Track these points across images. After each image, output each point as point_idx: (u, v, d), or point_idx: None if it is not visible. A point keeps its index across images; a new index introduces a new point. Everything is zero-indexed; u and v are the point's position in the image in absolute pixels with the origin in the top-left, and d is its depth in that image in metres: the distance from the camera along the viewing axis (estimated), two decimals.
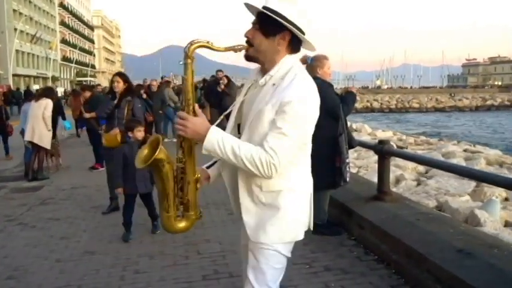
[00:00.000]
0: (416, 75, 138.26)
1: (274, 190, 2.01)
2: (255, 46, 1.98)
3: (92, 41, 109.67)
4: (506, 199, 7.96)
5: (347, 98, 5.03)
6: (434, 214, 4.73)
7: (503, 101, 76.59)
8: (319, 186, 4.79)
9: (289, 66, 1.99)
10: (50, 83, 59.36)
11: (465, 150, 15.62)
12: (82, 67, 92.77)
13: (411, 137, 20.83)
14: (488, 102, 75.16)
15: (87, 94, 10.24)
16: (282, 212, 2.02)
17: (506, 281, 2.90)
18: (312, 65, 4.86)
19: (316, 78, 4.75)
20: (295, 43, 2.00)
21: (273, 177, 1.92)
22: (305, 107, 1.91)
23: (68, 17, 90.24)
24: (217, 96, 12.52)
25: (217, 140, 1.88)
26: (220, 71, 13.18)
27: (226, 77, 12.87)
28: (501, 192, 7.91)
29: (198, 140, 1.94)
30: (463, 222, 5.98)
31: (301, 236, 2.14)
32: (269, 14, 1.91)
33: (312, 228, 2.23)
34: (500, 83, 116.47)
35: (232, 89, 12.75)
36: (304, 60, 5.05)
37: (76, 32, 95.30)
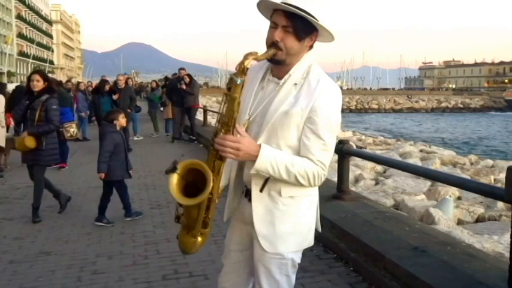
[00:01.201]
0: (376, 77, 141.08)
1: (293, 195, 1.94)
2: (286, 49, 1.85)
3: (50, 36, 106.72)
4: (459, 198, 8.25)
5: None
6: (391, 213, 4.84)
7: (456, 103, 79.37)
8: None
9: (308, 63, 1.93)
10: (5, 79, 57.36)
11: (421, 151, 16.11)
12: (40, 63, 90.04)
13: (370, 137, 21.30)
14: (443, 105, 77.69)
15: None
16: (300, 219, 1.98)
17: (458, 277, 3.01)
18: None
19: None
20: (315, 41, 1.95)
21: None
22: (339, 115, 1.91)
23: (25, 11, 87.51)
24: (179, 94, 12.43)
25: (271, 160, 1.80)
26: (183, 69, 13.08)
27: (189, 75, 12.78)
28: (454, 191, 8.20)
29: (247, 160, 1.84)
30: (419, 220, 6.16)
31: (313, 242, 2.08)
32: (305, 16, 1.80)
33: (319, 230, 2.15)
34: (454, 86, 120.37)
35: (194, 87, 12.69)
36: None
37: (33, 26, 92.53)
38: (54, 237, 4.95)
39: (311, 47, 1.94)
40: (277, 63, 1.90)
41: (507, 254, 3.42)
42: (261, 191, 1.92)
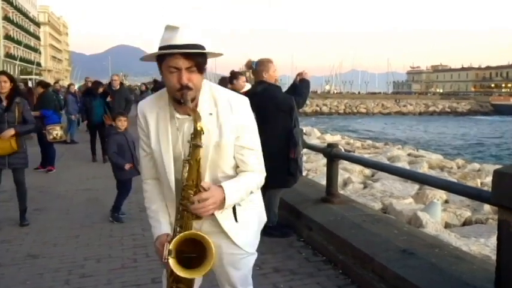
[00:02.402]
0: (364, 81, 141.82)
1: (251, 200, 2.10)
2: (195, 87, 1.87)
3: (37, 38, 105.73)
4: (446, 201, 8.31)
5: (301, 87, 5.12)
6: (379, 216, 4.88)
7: (444, 107, 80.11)
8: (271, 186, 4.87)
9: (207, 89, 1.98)
10: None
11: (409, 155, 16.20)
12: (27, 65, 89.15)
13: (358, 141, 21.38)
14: (431, 109, 78.35)
15: (40, 90, 9.73)
16: (257, 214, 2.17)
17: (446, 279, 3.04)
18: (257, 69, 4.93)
19: (262, 82, 4.85)
20: None
21: None
22: (255, 122, 2.04)
23: (12, 12, 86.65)
24: None
25: (235, 196, 1.92)
26: None
27: None
28: (442, 195, 8.26)
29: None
30: (407, 223, 6.21)
31: (266, 218, 2.28)
32: (205, 51, 1.86)
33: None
34: (441, 91, 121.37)
35: None
36: (249, 66, 5.13)
37: (21, 28, 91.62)
38: (41, 240, 4.92)
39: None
40: (184, 103, 1.89)
41: (494, 257, 3.45)
42: (236, 220, 2.03)
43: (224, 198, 1.88)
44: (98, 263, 4.27)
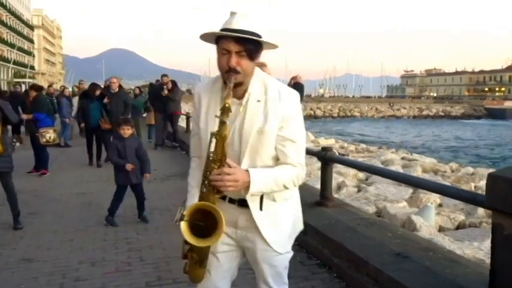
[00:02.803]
0: (358, 85, 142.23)
1: (286, 198, 2.11)
2: (243, 71, 1.94)
3: (31, 41, 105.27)
4: (440, 205, 8.34)
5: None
6: (373, 219, 4.89)
7: (438, 111, 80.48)
8: None
9: (261, 78, 2.04)
10: None
11: (403, 158, 16.27)
12: (20, 68, 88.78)
13: (352, 144, 21.46)
14: (425, 113, 78.69)
15: (33, 94, 9.63)
16: (295, 215, 2.19)
17: (440, 283, 3.05)
18: None
19: None
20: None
21: None
22: (302, 117, 2.07)
23: (6, 15, 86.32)
24: (161, 101, 12.38)
25: (262, 182, 1.93)
26: (166, 75, 13.04)
27: (173, 81, 12.74)
28: (436, 198, 8.29)
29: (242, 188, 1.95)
30: (401, 227, 6.22)
31: (302, 226, 2.28)
32: (256, 38, 1.91)
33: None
34: (435, 94, 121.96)
35: (176, 94, 12.63)
36: None
37: (14, 31, 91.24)
38: (36, 244, 4.89)
39: (258, 61, 2.04)
40: (236, 86, 1.96)
41: (487, 260, 3.47)
42: (261, 209, 2.04)
43: (249, 183, 1.90)
44: (92, 266, 4.26)
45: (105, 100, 9.88)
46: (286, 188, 2.01)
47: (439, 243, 5.17)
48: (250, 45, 1.91)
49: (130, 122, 5.88)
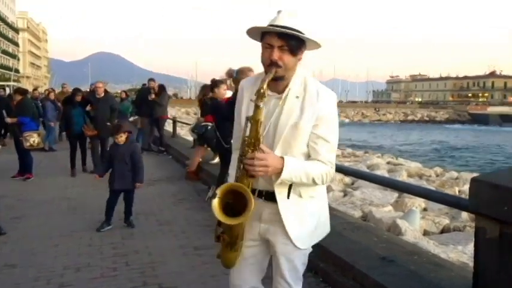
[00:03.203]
0: (344, 90, 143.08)
1: (312, 195, 2.17)
2: (285, 65, 2.03)
3: (16, 44, 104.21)
4: (425, 209, 8.42)
5: None
6: (359, 224, 4.92)
7: (423, 116, 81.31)
8: None
9: (303, 77, 2.12)
10: None
11: (388, 163, 16.40)
12: (5, 71, 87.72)
13: (338, 149, 21.54)
14: (410, 117, 79.41)
15: (18, 97, 9.46)
16: (320, 214, 2.25)
17: (425, 286, 3.08)
18: (238, 78, 4.96)
19: None
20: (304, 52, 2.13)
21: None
22: (337, 119, 2.15)
23: None
24: (148, 105, 12.34)
25: (294, 170, 2.01)
26: (152, 79, 13.00)
27: (160, 86, 12.70)
28: (420, 202, 8.37)
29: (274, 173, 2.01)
30: (386, 231, 6.26)
31: (329, 229, 2.36)
32: (297, 34, 1.98)
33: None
34: (420, 99, 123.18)
35: (163, 99, 12.59)
36: (229, 74, 5.16)
37: None
38: (20, 250, 4.83)
39: (301, 57, 2.11)
40: (277, 80, 2.06)
41: (471, 264, 3.51)
42: (288, 197, 2.10)
43: (281, 169, 1.97)
44: (77, 272, 4.21)
45: (88, 108, 9.47)
46: (314, 182, 2.07)
47: (424, 247, 5.22)
48: (292, 41, 2.00)
49: (123, 129, 5.80)
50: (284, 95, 2.09)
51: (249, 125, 2.01)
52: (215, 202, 1.99)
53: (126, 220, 5.67)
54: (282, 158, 2.01)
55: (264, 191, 2.14)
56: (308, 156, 2.11)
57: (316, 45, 2.10)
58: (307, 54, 2.15)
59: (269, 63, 2.02)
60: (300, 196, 2.13)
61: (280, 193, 2.10)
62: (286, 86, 2.10)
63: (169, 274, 4.12)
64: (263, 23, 2.07)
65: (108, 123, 9.19)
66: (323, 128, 2.06)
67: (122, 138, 5.63)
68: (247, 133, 2.02)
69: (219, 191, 2.01)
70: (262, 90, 1.96)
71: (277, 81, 2.07)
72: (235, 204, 2.00)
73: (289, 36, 1.98)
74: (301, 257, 2.23)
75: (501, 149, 38.11)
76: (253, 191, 2.08)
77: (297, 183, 2.06)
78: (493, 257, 2.24)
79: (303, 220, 2.16)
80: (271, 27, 1.99)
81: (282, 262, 2.21)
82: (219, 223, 2.11)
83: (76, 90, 10.18)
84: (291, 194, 2.11)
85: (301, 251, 2.20)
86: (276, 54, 2.01)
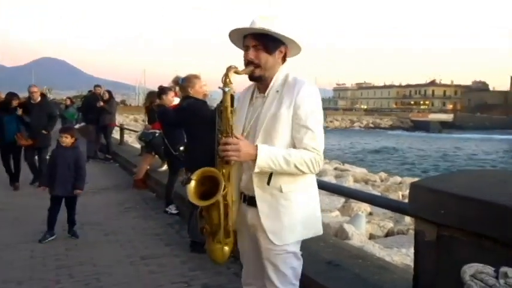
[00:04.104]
0: None
1: (292, 190, 2.16)
2: (262, 65, 2.13)
3: None
4: (370, 214, 8.62)
5: None
6: None
7: (368, 123, 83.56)
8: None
9: (285, 74, 2.21)
10: None
11: (335, 169, 16.70)
12: None
13: None
14: (356, 124, 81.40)
15: None
16: (303, 211, 2.21)
17: None
18: (183, 85, 4.96)
19: (188, 98, 4.86)
20: (285, 55, 2.23)
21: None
22: (319, 108, 2.16)
23: None
24: (95, 113, 12.05)
25: (270, 155, 2.03)
26: (99, 86, 12.72)
27: (108, 92, 12.43)
28: (366, 207, 8.57)
29: (249, 160, 2.05)
30: (334, 236, 6.38)
31: (321, 231, 2.36)
32: (271, 33, 2.09)
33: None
34: (366, 107, 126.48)
35: (111, 106, 12.34)
36: (175, 81, 5.15)
37: None
38: None
39: (284, 60, 2.23)
40: (258, 80, 2.18)
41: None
42: (268, 183, 2.12)
43: (255, 155, 2.01)
44: (19, 285, 4.04)
45: (19, 112, 8.50)
46: (298, 169, 2.07)
47: (370, 251, 5.34)
48: (265, 40, 2.11)
49: (71, 131, 5.62)
50: (266, 92, 2.19)
51: (219, 113, 2.08)
52: (190, 185, 2.06)
53: (69, 231, 5.48)
54: (256, 145, 2.04)
55: (247, 195, 2.20)
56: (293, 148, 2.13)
57: (297, 47, 2.21)
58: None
59: (247, 63, 2.14)
60: (281, 191, 2.14)
61: (258, 191, 2.14)
62: (268, 84, 2.20)
63: (114, 285, 4.03)
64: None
65: (44, 131, 8.54)
66: (303, 117, 2.08)
67: (67, 139, 5.40)
68: (219, 121, 2.08)
69: (194, 175, 2.08)
70: (227, 78, 2.04)
71: (262, 82, 2.19)
72: (212, 192, 2.04)
73: (263, 36, 2.10)
74: (284, 260, 2.21)
75: (444, 155, 39.69)
76: (240, 195, 2.23)
77: (279, 170, 2.06)
78: (431, 259, 2.33)
79: (280, 214, 2.15)
80: (244, 28, 2.12)
81: (266, 266, 2.23)
82: (201, 215, 2.14)
83: (11, 95, 9.08)
84: (269, 189, 2.13)
85: (285, 254, 2.19)
86: (251, 54, 2.12)
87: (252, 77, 2.17)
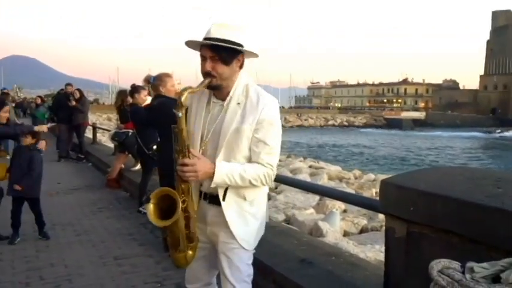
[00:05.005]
0: None
1: (255, 198, 2.26)
2: (219, 75, 2.11)
3: None
4: (344, 211, 8.72)
5: None
6: (281, 227, 5.01)
7: (342, 121, 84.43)
8: None
9: (245, 82, 2.22)
10: None
11: (310, 167, 16.81)
12: None
13: None
14: (330, 122, 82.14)
15: None
16: (263, 216, 2.35)
17: (341, 286, 3.18)
18: (155, 84, 4.92)
19: (160, 96, 4.83)
20: (243, 62, 2.23)
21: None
22: (279, 123, 2.23)
23: None
24: (67, 111, 11.86)
25: (226, 173, 2.09)
26: (70, 84, 12.51)
27: (79, 91, 12.24)
28: (340, 204, 8.65)
29: (206, 178, 2.11)
30: (309, 233, 6.42)
31: (263, 232, 2.43)
32: (227, 45, 2.08)
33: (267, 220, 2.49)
34: (339, 105, 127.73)
35: (84, 105, 12.17)
36: (147, 80, 5.11)
37: None
38: None
39: (241, 66, 2.22)
40: (216, 89, 2.18)
41: None
42: (223, 199, 2.19)
43: (212, 173, 2.07)
44: None
45: None
46: (252, 184, 2.15)
47: (344, 248, 5.40)
48: (222, 52, 2.09)
49: (33, 131, 5.48)
50: (226, 102, 2.19)
51: (174, 134, 2.10)
52: (150, 206, 2.10)
53: (40, 232, 5.38)
54: (214, 163, 2.09)
55: (208, 193, 2.24)
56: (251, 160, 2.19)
57: (252, 54, 2.21)
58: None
59: (204, 74, 2.13)
60: (244, 199, 2.22)
61: (225, 194, 2.19)
62: (228, 93, 2.19)
63: (86, 286, 3.97)
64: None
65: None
66: (263, 132, 2.14)
67: (28, 139, 5.29)
68: (175, 141, 2.10)
69: (152, 196, 2.11)
70: (179, 101, 2.05)
71: (217, 90, 2.19)
72: (173, 208, 2.07)
73: (220, 48, 2.08)
74: (241, 256, 2.27)
75: (419, 152, 40.38)
76: (200, 193, 2.27)
77: (234, 186, 2.14)
78: (401, 255, 2.36)
79: (248, 222, 2.25)
80: (200, 41, 2.10)
81: (222, 260, 2.27)
82: (164, 226, 2.17)
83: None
84: (234, 197, 2.20)
85: (240, 249, 2.25)
86: (208, 65, 2.11)
87: (210, 87, 2.17)
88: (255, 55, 2.24)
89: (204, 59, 2.13)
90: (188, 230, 2.19)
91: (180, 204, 2.06)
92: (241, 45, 2.12)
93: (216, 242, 2.29)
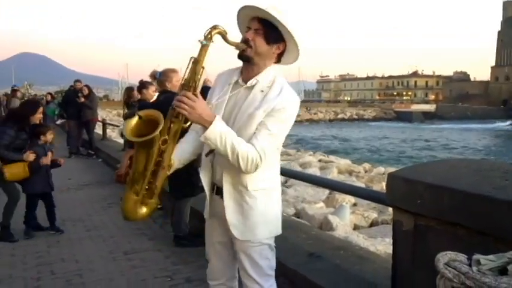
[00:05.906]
0: None
1: (258, 189, 2.16)
2: (254, 48, 2.08)
3: None
4: (354, 204, 8.70)
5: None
6: (291, 221, 5.01)
7: (352, 114, 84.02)
8: (178, 196, 4.79)
9: (273, 75, 2.15)
10: None
11: (320, 160, 16.79)
12: None
13: None
14: (340, 116, 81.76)
15: None
16: (267, 210, 2.21)
17: (349, 279, 3.19)
18: (161, 79, 4.94)
19: (166, 92, 4.84)
20: (281, 55, 2.18)
21: (252, 173, 2.07)
22: (290, 117, 2.12)
23: None
24: (76, 107, 11.93)
25: (221, 132, 1.96)
26: (79, 81, 12.58)
27: (87, 87, 12.30)
28: (350, 198, 8.63)
29: (198, 124, 2.00)
30: (318, 227, 6.43)
31: (280, 231, 2.33)
32: (276, 23, 2.05)
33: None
34: (349, 98, 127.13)
35: (93, 101, 12.22)
36: (153, 76, 5.11)
37: None
38: None
39: (277, 61, 2.18)
40: (246, 60, 2.12)
41: None
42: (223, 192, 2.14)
43: (207, 122, 1.94)
44: None
45: None
46: (238, 159, 1.98)
47: (354, 241, 5.39)
48: (268, 27, 2.07)
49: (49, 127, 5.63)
50: (249, 84, 2.13)
51: (189, 64, 2.02)
52: (132, 120, 2.01)
53: (52, 227, 5.44)
54: (215, 115, 1.99)
55: (221, 188, 2.17)
56: None
57: (293, 49, 2.15)
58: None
59: (242, 41, 2.09)
60: (246, 188, 2.14)
61: (226, 185, 2.14)
62: (254, 76, 2.14)
63: (97, 281, 4.00)
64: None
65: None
66: (271, 119, 2.05)
67: (51, 136, 5.55)
68: (187, 73, 2.02)
69: (142, 112, 2.04)
70: (210, 33, 2.00)
71: (248, 67, 2.14)
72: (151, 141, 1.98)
73: (267, 23, 2.06)
74: (259, 251, 2.22)
75: (428, 145, 40.16)
76: (212, 187, 2.23)
77: (219, 150, 2.00)
78: (408, 248, 2.36)
79: (244, 211, 2.16)
80: (256, 6, 2.06)
81: (241, 256, 2.24)
82: (131, 164, 2.09)
83: None
84: (236, 185, 2.14)
85: (258, 245, 2.21)
86: (249, 34, 2.08)
87: (241, 56, 2.11)
88: (294, 54, 2.18)
89: (248, 30, 2.11)
90: (153, 180, 2.06)
91: (161, 125, 1.94)
92: (290, 34, 2.09)
93: (233, 238, 2.23)
